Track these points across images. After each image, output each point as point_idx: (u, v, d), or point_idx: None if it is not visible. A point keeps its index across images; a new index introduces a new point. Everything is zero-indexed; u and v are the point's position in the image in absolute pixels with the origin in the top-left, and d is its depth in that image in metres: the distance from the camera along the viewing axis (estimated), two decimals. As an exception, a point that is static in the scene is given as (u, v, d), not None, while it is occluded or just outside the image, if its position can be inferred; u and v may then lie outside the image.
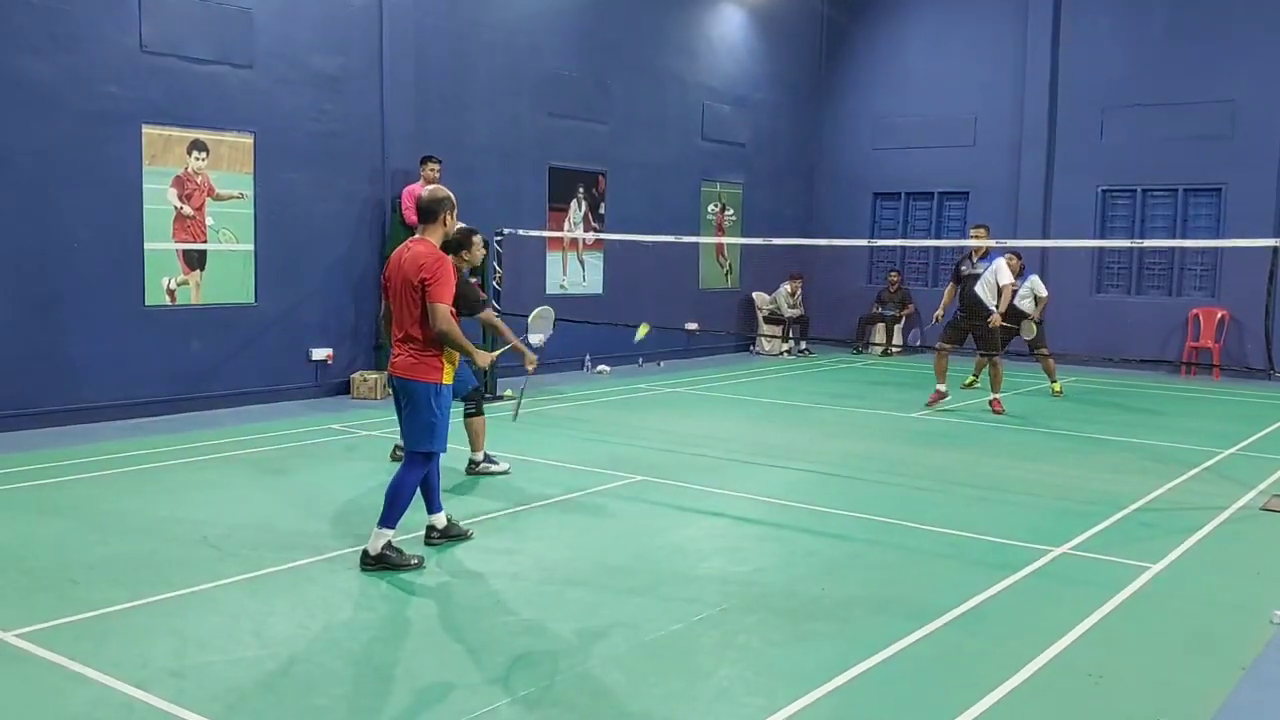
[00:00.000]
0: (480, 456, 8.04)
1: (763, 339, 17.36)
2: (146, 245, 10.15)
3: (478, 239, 7.50)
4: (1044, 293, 11.61)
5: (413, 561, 5.76)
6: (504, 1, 13.45)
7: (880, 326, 17.67)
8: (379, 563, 5.70)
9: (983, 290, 11.18)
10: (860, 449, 9.62)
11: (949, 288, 11.88)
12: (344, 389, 11.71)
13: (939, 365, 11.71)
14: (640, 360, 15.30)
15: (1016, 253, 12.80)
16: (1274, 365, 8.31)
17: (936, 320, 11.75)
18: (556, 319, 8.45)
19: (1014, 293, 11.56)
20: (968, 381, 12.77)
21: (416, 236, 5.89)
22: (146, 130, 10.06)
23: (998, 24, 17.20)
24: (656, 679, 4.42)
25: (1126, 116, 16.13)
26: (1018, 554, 6.21)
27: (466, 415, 7.90)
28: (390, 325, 5.89)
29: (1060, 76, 16.65)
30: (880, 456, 9.28)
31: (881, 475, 8.51)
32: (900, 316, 17.64)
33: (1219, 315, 15.36)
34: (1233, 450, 9.63)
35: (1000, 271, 11.26)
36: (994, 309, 11.21)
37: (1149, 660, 4.72)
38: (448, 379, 5.81)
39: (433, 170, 11.81)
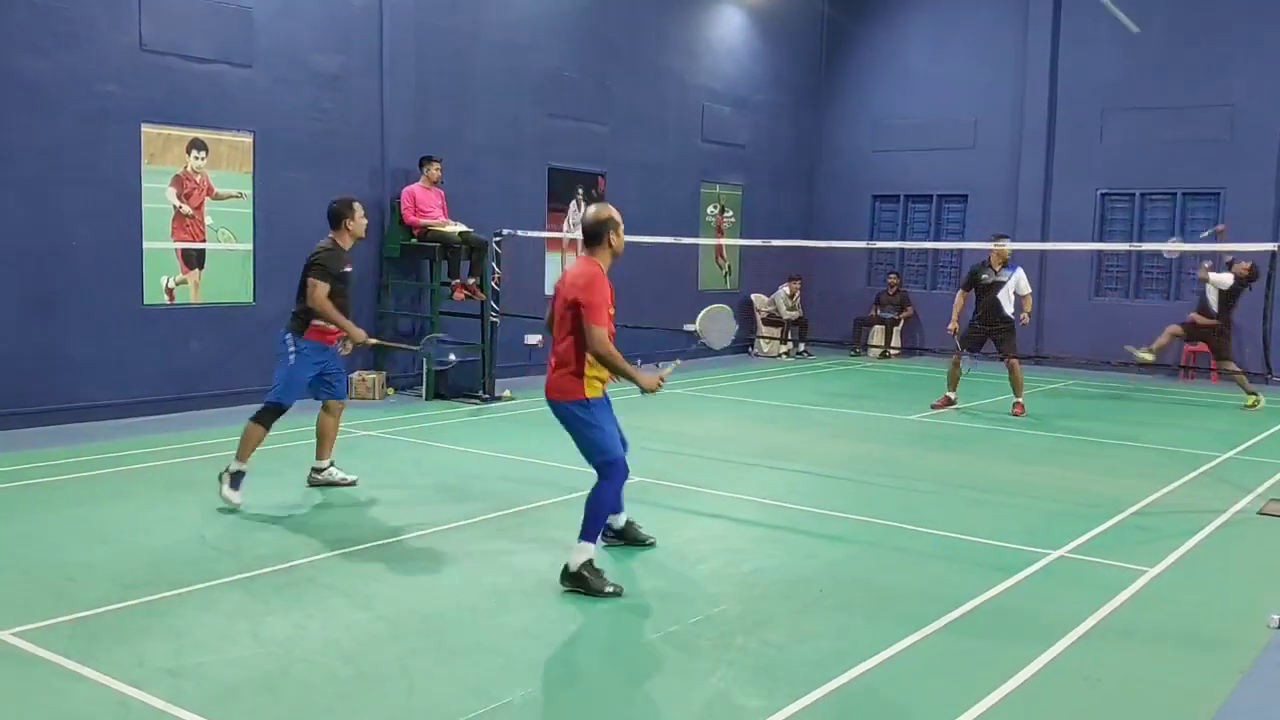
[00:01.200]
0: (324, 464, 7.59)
1: (761, 341, 17.37)
2: (145, 244, 10.14)
3: (359, 206, 7.38)
4: (1027, 290, 11.57)
5: (607, 589, 5.42)
6: (504, 2, 13.45)
7: (879, 329, 17.68)
8: (576, 584, 5.45)
9: (1005, 297, 11.43)
10: (859, 451, 9.63)
11: (959, 295, 12.03)
12: (342, 389, 11.69)
13: (952, 372, 11.94)
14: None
15: (1005, 233, 12.99)
16: (1271, 369, 8.30)
17: (952, 333, 11.91)
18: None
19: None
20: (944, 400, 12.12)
21: (581, 255, 5.76)
22: (146, 129, 10.05)
23: (997, 26, 17.22)
24: (654, 680, 4.41)
25: (1126, 119, 16.15)
26: (1016, 556, 6.21)
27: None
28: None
29: (1060, 79, 16.66)
30: (879, 458, 9.29)
31: (880, 477, 8.51)
32: (899, 319, 17.65)
33: (1218, 319, 15.36)
34: (1230, 454, 9.63)
35: (1021, 281, 11.55)
36: (1012, 315, 11.47)
37: (1146, 664, 4.73)
38: (593, 392, 5.59)
39: (435, 170, 11.81)
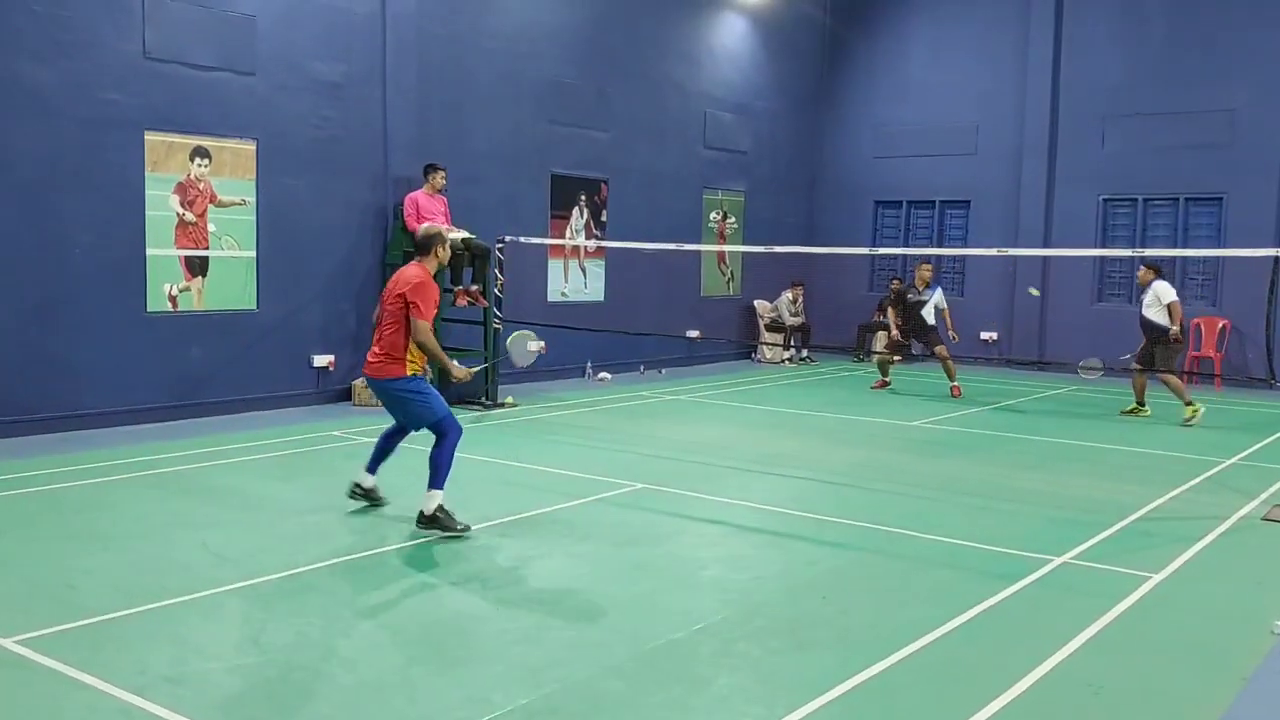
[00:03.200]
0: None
1: (764, 347, 17.37)
2: (148, 251, 10.16)
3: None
4: (944, 305, 13.90)
5: (459, 527, 6.50)
6: (505, 9, 13.48)
7: (882, 334, 17.65)
8: (431, 524, 6.49)
9: (927, 312, 13.81)
10: (861, 457, 9.62)
11: (892, 311, 14.25)
12: (345, 396, 11.71)
13: (885, 362, 14.55)
14: (642, 368, 15.30)
15: (928, 260, 14.87)
16: (1275, 375, 8.29)
17: (893, 341, 14.28)
18: (540, 330, 8.68)
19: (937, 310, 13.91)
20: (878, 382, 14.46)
21: (415, 260, 6.80)
22: (149, 136, 10.08)
23: (999, 33, 17.22)
24: (655, 687, 4.41)
25: (1127, 125, 16.15)
26: (1018, 564, 6.20)
27: None
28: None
29: (1061, 85, 16.66)
30: (881, 465, 9.28)
31: (882, 483, 8.50)
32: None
33: (1220, 324, 15.36)
34: (1234, 460, 9.62)
35: (940, 299, 13.93)
36: (933, 324, 13.82)
37: (1149, 671, 4.71)
38: (413, 370, 6.63)
39: (440, 179, 11.81)
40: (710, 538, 6.84)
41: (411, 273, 6.64)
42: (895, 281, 17.83)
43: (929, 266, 14.19)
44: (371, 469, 7.11)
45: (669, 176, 16.04)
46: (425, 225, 7.05)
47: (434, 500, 6.51)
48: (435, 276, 6.73)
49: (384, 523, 6.84)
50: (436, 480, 6.54)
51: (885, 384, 14.37)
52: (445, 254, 6.81)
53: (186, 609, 5.18)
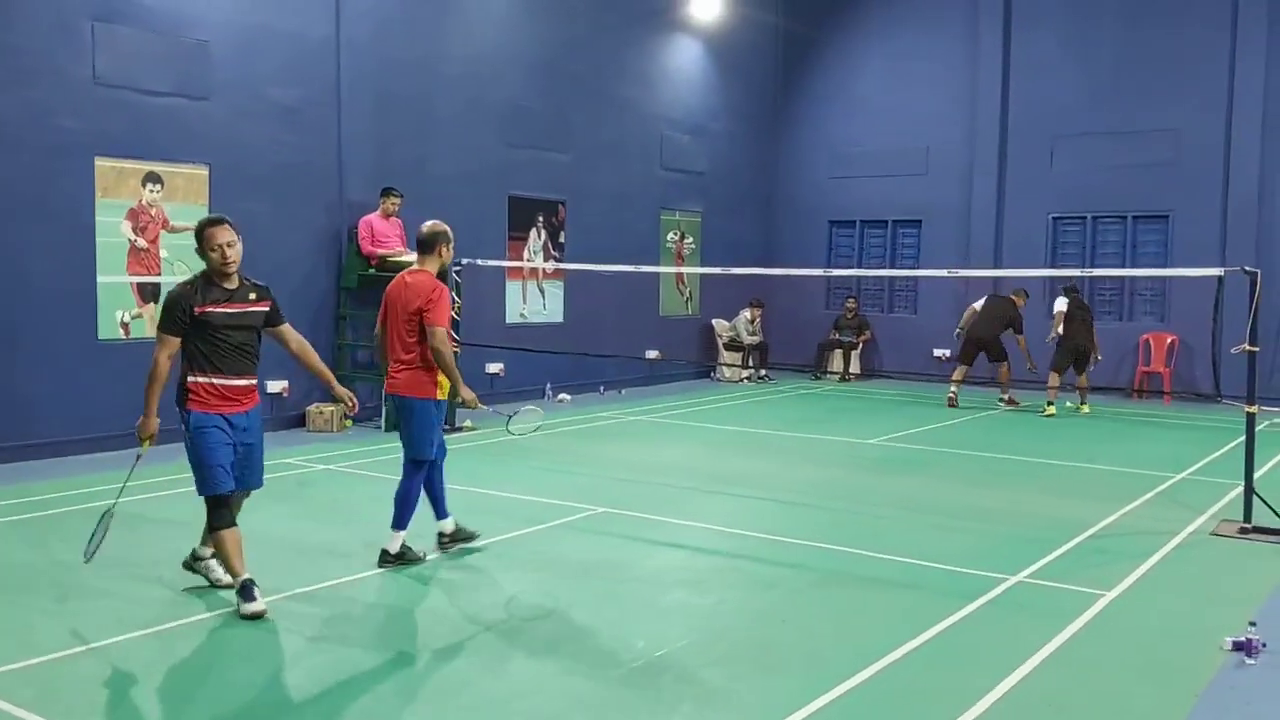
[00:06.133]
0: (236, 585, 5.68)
1: (723, 366, 17.45)
2: (100, 278, 10.03)
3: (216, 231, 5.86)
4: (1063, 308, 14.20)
5: (421, 555, 6.51)
6: (465, 33, 13.50)
7: (838, 353, 17.82)
8: (399, 559, 6.41)
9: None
10: (820, 476, 9.69)
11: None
12: (300, 422, 11.60)
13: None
14: (602, 388, 15.30)
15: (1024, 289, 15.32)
16: (1221, 390, 8.48)
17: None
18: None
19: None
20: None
21: (414, 268, 6.51)
22: (100, 162, 9.97)
23: (949, 55, 17.49)
24: (618, 716, 4.41)
25: (1076, 145, 16.46)
26: (975, 583, 6.28)
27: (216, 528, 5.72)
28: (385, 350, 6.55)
29: (1011, 106, 16.96)
30: (840, 484, 9.35)
31: (841, 503, 8.57)
32: (857, 342, 17.81)
33: (1169, 340, 15.66)
34: (1183, 475, 9.80)
35: (1060, 305, 14.32)
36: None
37: (1106, 688, 4.79)
38: (441, 395, 6.49)
39: (393, 204, 11.79)
40: (672, 562, 6.85)
41: (423, 281, 6.39)
42: (850, 301, 18.01)
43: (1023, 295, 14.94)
44: (441, 515, 6.79)
45: (627, 197, 16.11)
46: (430, 223, 6.65)
47: (399, 540, 6.46)
48: (440, 276, 6.51)
49: (338, 554, 6.77)
50: (404, 519, 6.44)
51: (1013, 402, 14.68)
52: (449, 254, 6.62)
53: (142, 646, 5.09)
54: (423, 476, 6.54)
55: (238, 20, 11.01)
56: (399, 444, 6.63)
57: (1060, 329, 13.99)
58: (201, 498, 5.68)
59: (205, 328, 5.64)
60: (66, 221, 9.78)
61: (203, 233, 5.78)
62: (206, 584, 5.97)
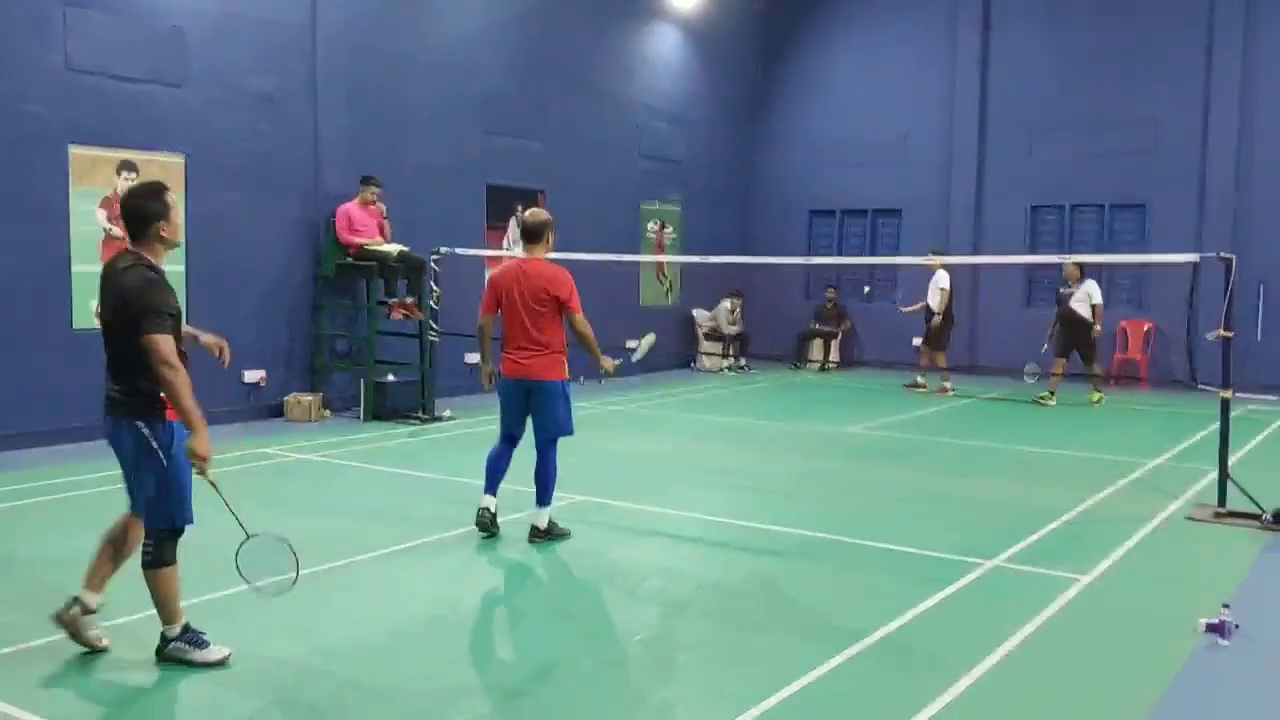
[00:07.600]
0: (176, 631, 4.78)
1: (704, 356, 17.45)
2: (74, 268, 9.93)
3: (172, 197, 4.80)
4: (1099, 299, 13.78)
5: (566, 531, 6.82)
6: (442, 21, 13.42)
7: (818, 342, 17.85)
8: (547, 534, 6.70)
9: (1081, 305, 13.81)
10: (799, 465, 9.71)
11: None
12: (278, 412, 11.53)
13: None
14: (581, 378, 15.22)
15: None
16: (1196, 377, 8.53)
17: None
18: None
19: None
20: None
21: (525, 257, 6.73)
22: (74, 151, 9.86)
23: (928, 44, 17.53)
24: (595, 702, 4.41)
25: (1054, 135, 16.52)
26: (952, 567, 6.30)
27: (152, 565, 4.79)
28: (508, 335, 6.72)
29: (989, 96, 17.01)
30: (819, 472, 9.37)
31: (819, 490, 8.59)
32: (837, 332, 17.85)
33: (1145, 327, 15.76)
34: (1159, 461, 9.87)
35: (1095, 292, 13.83)
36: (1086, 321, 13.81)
37: (1080, 672, 4.81)
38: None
39: (372, 193, 11.72)
40: (650, 549, 6.85)
41: (548, 271, 6.64)
42: (830, 291, 18.04)
43: (1076, 266, 13.87)
44: (492, 491, 6.91)
45: (606, 187, 16.07)
46: (533, 210, 6.93)
47: (545, 515, 6.73)
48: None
49: (317, 542, 6.69)
50: (547, 496, 6.73)
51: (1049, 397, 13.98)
52: (554, 239, 6.85)
53: (119, 633, 5.05)
54: (554, 452, 6.76)
55: (211, 7, 10.90)
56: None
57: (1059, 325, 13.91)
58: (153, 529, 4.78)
59: (178, 324, 4.81)
60: (39, 210, 9.68)
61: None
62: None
